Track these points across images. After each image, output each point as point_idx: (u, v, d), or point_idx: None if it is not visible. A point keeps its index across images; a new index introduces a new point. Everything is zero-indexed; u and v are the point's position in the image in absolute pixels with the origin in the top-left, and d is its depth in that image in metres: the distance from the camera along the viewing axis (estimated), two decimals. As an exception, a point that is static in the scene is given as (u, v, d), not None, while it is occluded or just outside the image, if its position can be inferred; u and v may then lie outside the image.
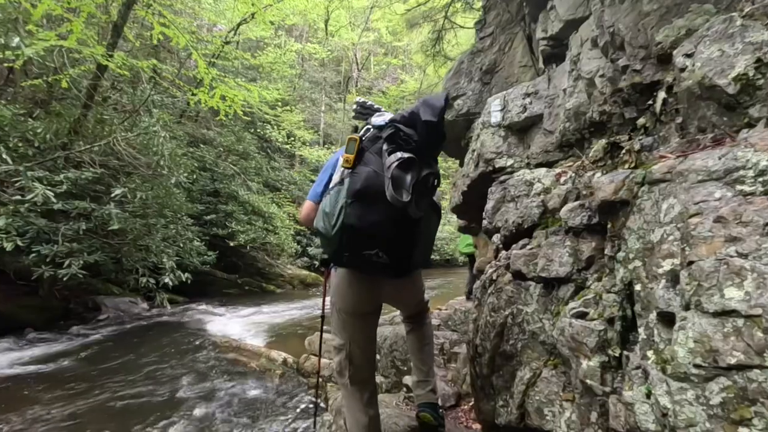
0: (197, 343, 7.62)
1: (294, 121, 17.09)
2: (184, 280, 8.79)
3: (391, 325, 4.67)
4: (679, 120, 1.58)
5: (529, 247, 1.87)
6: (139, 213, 8.69)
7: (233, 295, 13.24)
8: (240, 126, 15.54)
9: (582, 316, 1.43)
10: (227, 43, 13.72)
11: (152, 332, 8.59)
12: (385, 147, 1.63)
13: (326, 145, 20.20)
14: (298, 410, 4.83)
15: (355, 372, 2.00)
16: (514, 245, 2.05)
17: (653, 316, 1.13)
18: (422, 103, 1.65)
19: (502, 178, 2.56)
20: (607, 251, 1.39)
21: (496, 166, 2.78)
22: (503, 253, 2.16)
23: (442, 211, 2.18)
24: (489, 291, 2.00)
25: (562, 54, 2.74)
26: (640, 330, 1.18)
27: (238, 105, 12.02)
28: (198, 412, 4.83)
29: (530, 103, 2.71)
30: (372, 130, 1.76)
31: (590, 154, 2.02)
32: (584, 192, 1.86)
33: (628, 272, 1.28)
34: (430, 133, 1.61)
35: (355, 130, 1.79)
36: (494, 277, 2.01)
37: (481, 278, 2.21)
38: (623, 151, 1.80)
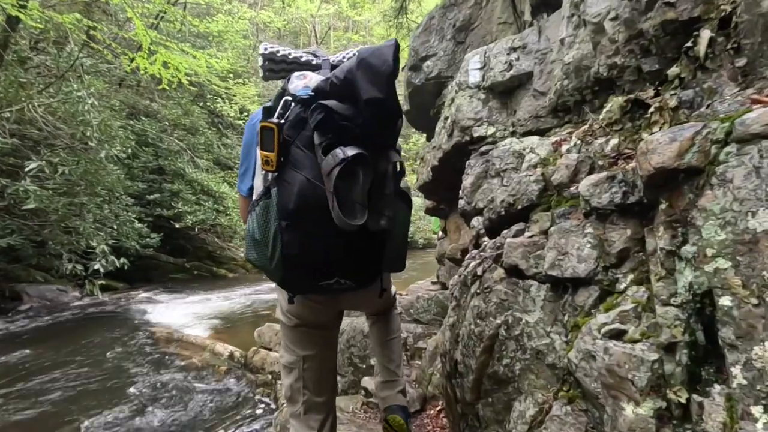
0: (133, 335, 6.85)
1: (248, 95, 15.97)
2: (119, 265, 7.88)
3: (347, 317, 4.19)
4: (741, 62, 1.16)
5: (528, 234, 1.42)
6: (62, 191, 7.65)
7: (180, 280, 12.34)
8: (187, 98, 14.30)
9: (618, 335, 0.99)
10: (173, 3, 12.41)
11: (81, 324, 7.69)
12: (316, 140, 1.11)
13: (283, 122, 19.03)
14: (242, 414, 4.29)
15: (311, 398, 1.49)
16: (504, 231, 1.60)
17: (764, 350, 0.71)
18: (358, 65, 1.07)
19: (484, 148, 2.10)
20: (661, 243, 0.96)
21: (475, 135, 2.31)
22: (488, 241, 1.70)
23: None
24: (473, 291, 1.55)
25: (555, 1, 2.29)
26: (735, 370, 0.76)
27: (182, 73, 10.97)
28: (126, 417, 4.20)
29: (517, 59, 2.24)
30: (294, 105, 1.18)
31: (602, 116, 1.59)
32: (600, 162, 1.42)
33: (703, 276, 0.85)
34: (377, 114, 1.09)
35: (267, 112, 1.24)
36: (479, 273, 1.55)
37: (460, 272, 1.75)
38: (651, 109, 1.38)
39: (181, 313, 8.50)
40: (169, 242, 12.43)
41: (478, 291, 1.51)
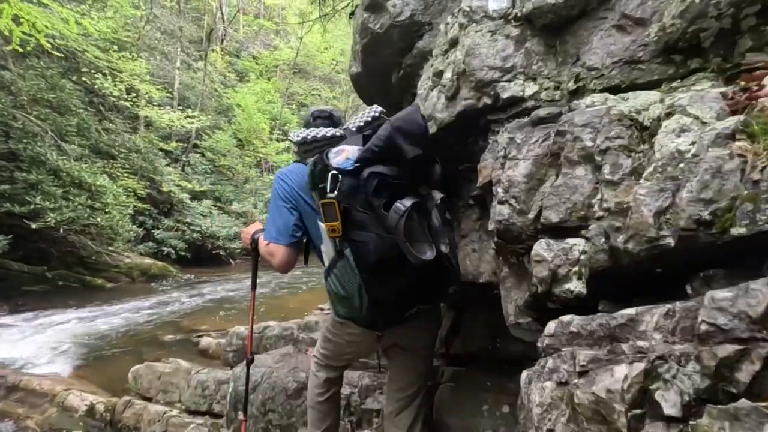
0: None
1: (137, 73, 13.54)
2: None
3: (263, 366, 2.95)
4: None
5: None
6: None
7: (37, 293, 9.79)
8: (55, 69, 11.58)
9: None
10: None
11: None
12: (375, 203, 1.37)
13: (180, 108, 16.55)
14: None
15: None
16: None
17: None
18: (396, 131, 1.37)
19: (543, 112, 1.16)
20: None
21: (504, 95, 1.37)
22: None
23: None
24: None
25: None
26: None
27: (41, 35, 8.77)
28: None
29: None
30: (343, 178, 1.41)
31: None
32: None
33: None
34: (418, 165, 1.39)
35: (315, 185, 1.50)
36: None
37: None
38: None
39: (32, 341, 6.51)
40: (24, 246, 9.91)
41: None
